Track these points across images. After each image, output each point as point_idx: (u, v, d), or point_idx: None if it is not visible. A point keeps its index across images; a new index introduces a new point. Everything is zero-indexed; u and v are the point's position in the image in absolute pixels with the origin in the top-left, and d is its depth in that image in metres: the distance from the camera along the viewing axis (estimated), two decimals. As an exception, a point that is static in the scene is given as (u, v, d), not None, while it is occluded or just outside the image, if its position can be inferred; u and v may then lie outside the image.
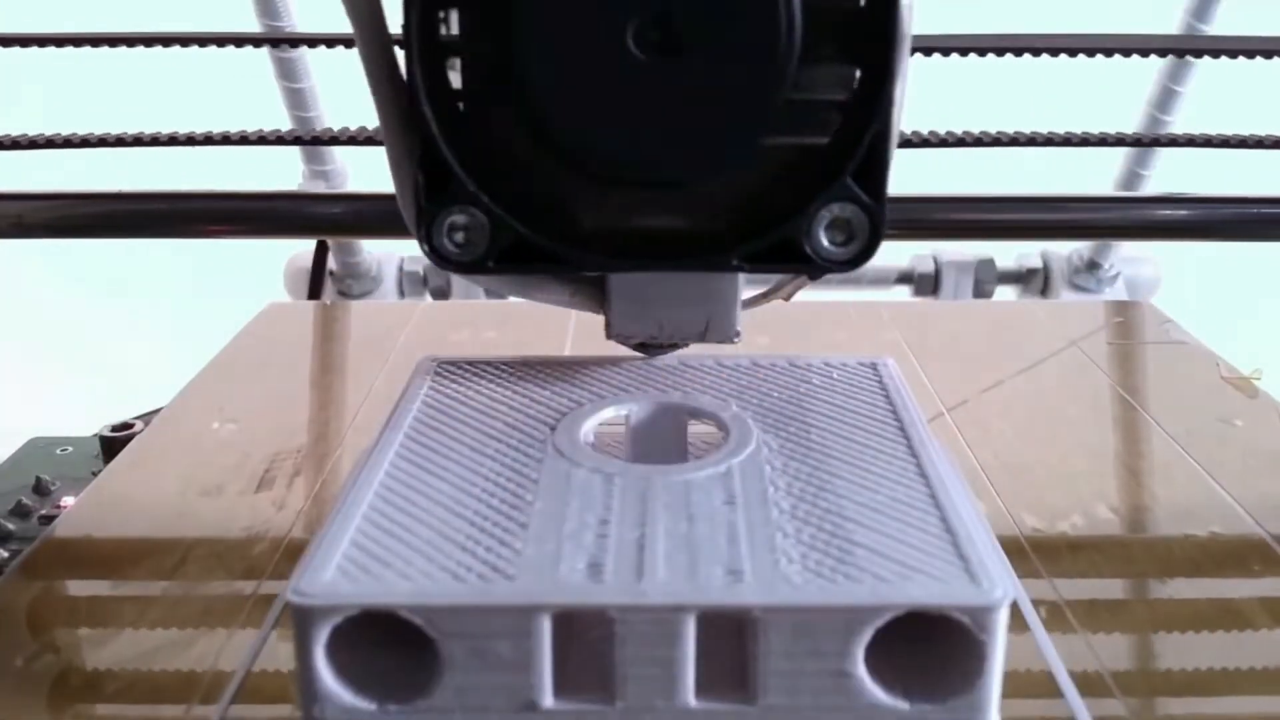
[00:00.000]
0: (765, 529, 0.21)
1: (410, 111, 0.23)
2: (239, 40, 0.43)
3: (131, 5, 0.43)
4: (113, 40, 0.40)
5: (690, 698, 0.19)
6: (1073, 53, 0.40)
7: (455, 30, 0.22)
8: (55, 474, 0.34)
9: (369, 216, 0.42)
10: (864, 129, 0.22)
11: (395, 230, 0.42)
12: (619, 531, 0.21)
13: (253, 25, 0.51)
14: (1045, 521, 0.26)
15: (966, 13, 0.44)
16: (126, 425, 0.34)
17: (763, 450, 0.24)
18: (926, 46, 0.40)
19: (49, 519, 0.31)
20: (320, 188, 0.58)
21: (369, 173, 0.55)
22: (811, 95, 0.22)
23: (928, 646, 0.19)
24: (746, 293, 0.28)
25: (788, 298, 0.28)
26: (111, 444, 0.34)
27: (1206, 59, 0.43)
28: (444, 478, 0.23)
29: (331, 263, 0.67)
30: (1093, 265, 0.71)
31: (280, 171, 0.56)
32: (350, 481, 0.23)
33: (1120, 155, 0.64)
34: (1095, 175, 0.64)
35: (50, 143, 0.40)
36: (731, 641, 0.20)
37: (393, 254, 0.73)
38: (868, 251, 0.23)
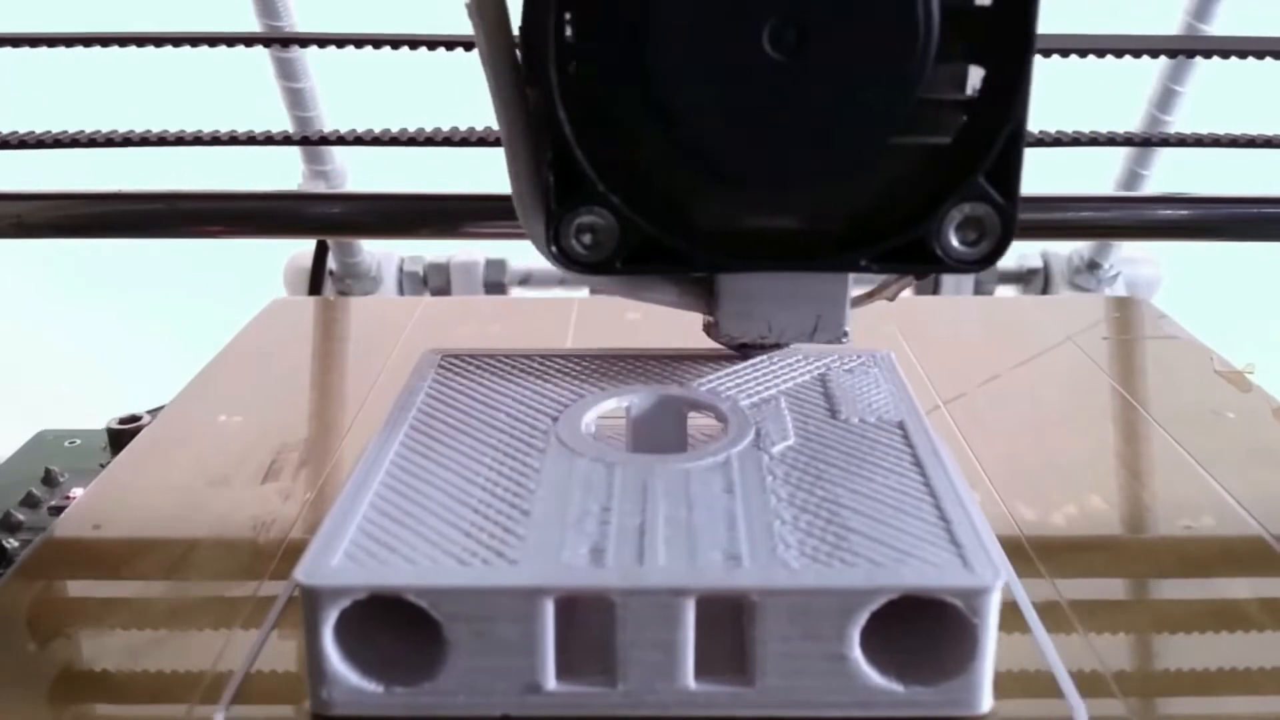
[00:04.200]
0: (763, 516, 0.21)
1: (541, 114, 0.23)
2: (239, 40, 0.43)
3: (132, 5, 0.43)
4: (106, 40, 0.40)
5: (690, 680, 0.20)
6: (1071, 54, 0.40)
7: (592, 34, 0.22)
8: (64, 466, 0.34)
9: (369, 216, 0.42)
10: (998, 128, 0.22)
11: (395, 230, 0.42)
12: (620, 518, 0.21)
13: (253, 25, 0.51)
14: (1039, 513, 0.27)
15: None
16: (134, 418, 0.35)
17: (761, 440, 0.24)
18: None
19: (58, 510, 0.31)
20: (320, 188, 0.58)
21: (369, 173, 0.56)
22: (941, 95, 0.22)
23: (922, 631, 0.20)
24: (853, 292, 0.28)
25: (892, 298, 0.28)
26: (119, 436, 0.34)
27: (1206, 59, 0.43)
28: (448, 466, 0.23)
29: (331, 263, 0.67)
30: (1093, 265, 0.71)
31: (280, 171, 0.56)
32: (356, 470, 0.23)
33: (1120, 155, 0.64)
34: (1095, 175, 0.64)
35: (55, 142, 0.40)
36: (730, 625, 0.20)
37: (392, 254, 0.73)
38: (998, 251, 0.23)
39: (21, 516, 0.31)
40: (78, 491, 0.32)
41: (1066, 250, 0.73)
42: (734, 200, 0.23)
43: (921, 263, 0.23)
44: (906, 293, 0.29)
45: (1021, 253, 0.74)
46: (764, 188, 0.23)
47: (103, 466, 0.30)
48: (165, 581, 0.24)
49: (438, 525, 0.21)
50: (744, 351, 0.28)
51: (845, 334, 0.27)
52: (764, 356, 0.29)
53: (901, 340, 0.36)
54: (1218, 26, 0.53)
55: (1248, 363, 0.35)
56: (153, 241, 0.42)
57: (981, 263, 0.23)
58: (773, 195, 0.23)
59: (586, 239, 0.23)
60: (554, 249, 0.23)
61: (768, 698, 0.20)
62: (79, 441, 0.36)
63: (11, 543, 0.29)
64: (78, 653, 0.22)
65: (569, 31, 0.22)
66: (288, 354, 0.38)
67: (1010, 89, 0.22)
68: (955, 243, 0.23)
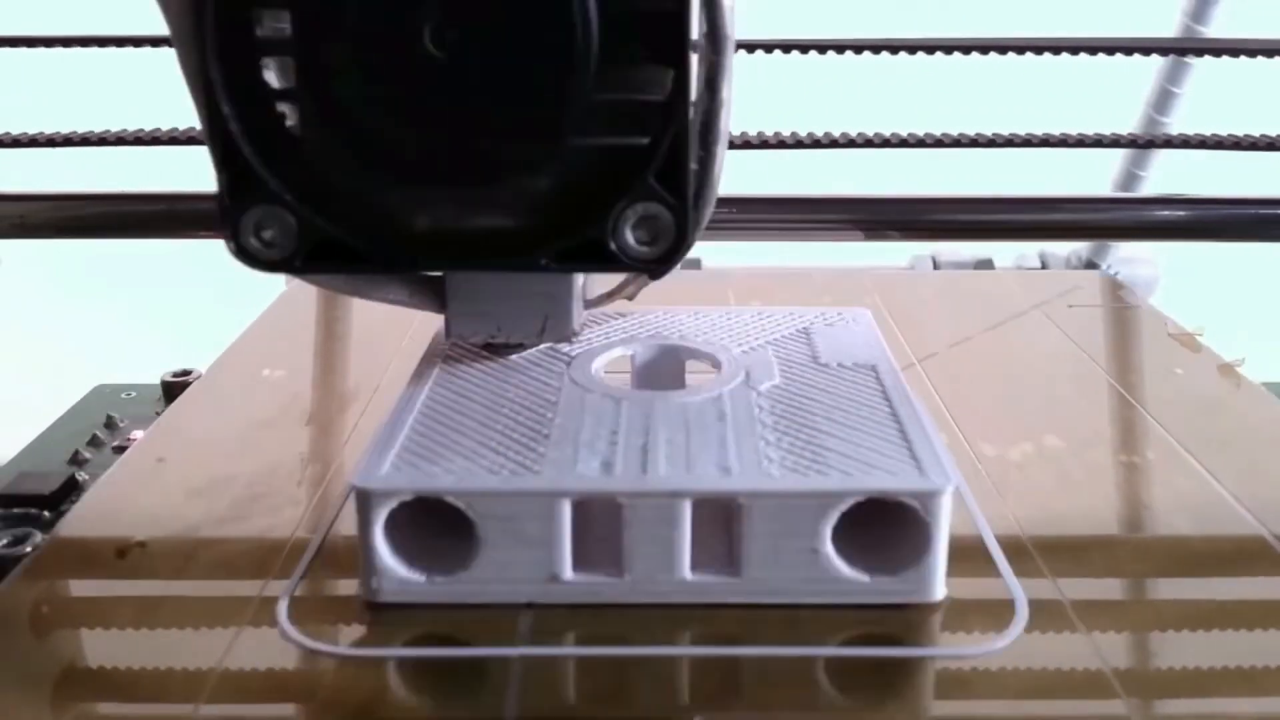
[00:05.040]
0: (751, 438, 0.25)
1: (212, 109, 0.22)
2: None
3: (132, 5, 0.44)
4: (107, 41, 0.40)
5: (686, 572, 0.23)
6: (1067, 50, 0.40)
7: (259, 29, 0.22)
8: (123, 414, 0.37)
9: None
10: (668, 128, 0.22)
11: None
12: (626, 440, 0.24)
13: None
14: (999, 449, 0.30)
15: (960, 12, 0.46)
16: (186, 372, 0.38)
17: (750, 380, 0.28)
18: (926, 45, 0.41)
19: (121, 449, 0.35)
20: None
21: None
22: (623, 95, 0.22)
23: (885, 531, 0.23)
24: (592, 292, 0.29)
25: (631, 297, 0.28)
26: (172, 388, 0.37)
27: (1205, 59, 0.42)
28: (475, 400, 0.27)
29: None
30: (1091, 266, 0.72)
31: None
32: (396, 402, 0.26)
33: (1118, 156, 0.64)
34: (1093, 176, 0.65)
35: (50, 142, 0.40)
36: (721, 529, 0.24)
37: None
38: (674, 251, 0.23)
39: (88, 455, 0.35)
40: (138, 434, 0.35)
41: (1064, 251, 0.74)
42: (416, 198, 0.23)
43: (599, 261, 0.23)
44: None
45: (1020, 253, 0.75)
46: (443, 186, 0.23)
47: (158, 414, 0.34)
48: (226, 503, 0.28)
49: (470, 444, 0.24)
50: (492, 351, 0.28)
51: (575, 334, 0.27)
52: (754, 313, 0.32)
53: (882, 307, 0.40)
54: (1215, 28, 0.53)
55: (1197, 325, 0.38)
56: (153, 241, 0.42)
57: (659, 262, 0.23)
58: (454, 194, 0.23)
59: (267, 235, 0.23)
60: (233, 245, 0.23)
61: (752, 586, 0.23)
62: (135, 394, 0.39)
63: (82, 476, 0.32)
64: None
65: (258, 31, 0.22)
66: (322, 319, 0.41)
67: (677, 90, 0.22)
68: (632, 242, 0.23)
